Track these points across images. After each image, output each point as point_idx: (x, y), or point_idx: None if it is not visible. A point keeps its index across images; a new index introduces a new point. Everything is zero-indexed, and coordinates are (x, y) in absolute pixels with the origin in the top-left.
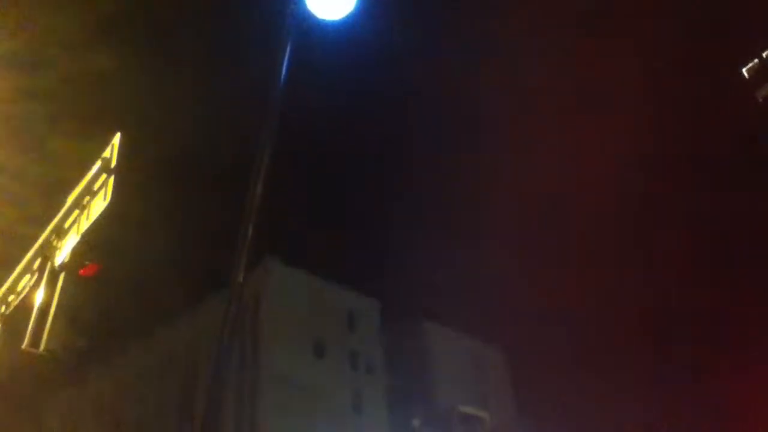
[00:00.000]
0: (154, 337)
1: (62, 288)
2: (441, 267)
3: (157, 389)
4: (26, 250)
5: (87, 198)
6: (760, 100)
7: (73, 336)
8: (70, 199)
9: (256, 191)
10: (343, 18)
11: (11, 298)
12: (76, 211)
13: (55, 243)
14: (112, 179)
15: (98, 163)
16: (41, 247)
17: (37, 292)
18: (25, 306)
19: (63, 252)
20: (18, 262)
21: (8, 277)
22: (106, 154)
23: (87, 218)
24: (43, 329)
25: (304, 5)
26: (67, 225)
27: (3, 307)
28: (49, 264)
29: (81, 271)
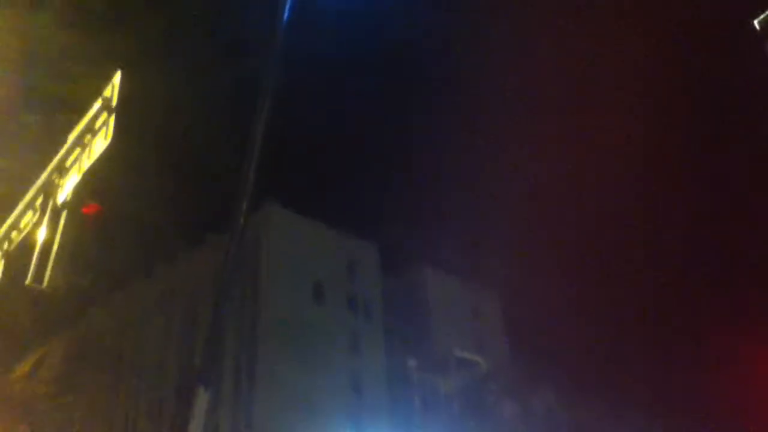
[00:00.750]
0: (155, 277)
1: (64, 226)
2: (439, 214)
3: (158, 329)
4: (27, 191)
5: (88, 137)
6: None
7: (76, 273)
8: (71, 137)
9: (258, 136)
10: None
11: (14, 234)
12: (78, 150)
13: (57, 181)
14: (113, 118)
15: (99, 102)
16: (43, 185)
17: (39, 230)
18: (27, 243)
19: (65, 190)
20: (19, 200)
21: (10, 215)
22: (107, 92)
23: (88, 157)
24: (45, 266)
25: None
26: (68, 164)
27: (6, 244)
28: (51, 202)
29: (83, 210)
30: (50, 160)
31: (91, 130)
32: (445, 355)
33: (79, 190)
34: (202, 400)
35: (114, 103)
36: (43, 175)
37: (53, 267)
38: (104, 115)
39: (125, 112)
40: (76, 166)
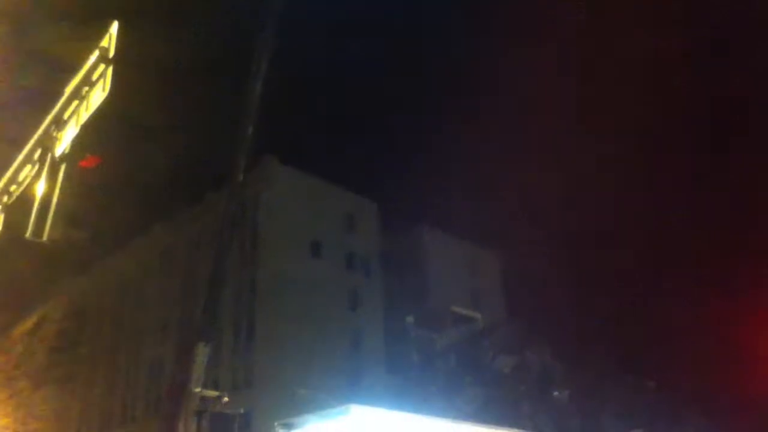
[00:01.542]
0: (154, 233)
1: (63, 179)
2: (438, 172)
3: (158, 286)
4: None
5: (86, 89)
6: None
7: (75, 228)
8: (69, 89)
9: (256, 91)
10: None
11: (13, 188)
12: (75, 102)
13: (54, 134)
14: (110, 70)
15: (96, 53)
16: (41, 137)
17: (38, 183)
18: (26, 196)
19: (63, 143)
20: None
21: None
22: (104, 43)
23: (86, 109)
24: (45, 219)
25: None
26: (66, 116)
27: (5, 197)
28: (49, 155)
29: (81, 163)
30: (47, 113)
31: (88, 81)
32: (443, 311)
33: (78, 144)
34: (201, 355)
35: (111, 54)
36: (41, 128)
37: (53, 220)
38: (101, 66)
39: (123, 65)
40: (74, 119)
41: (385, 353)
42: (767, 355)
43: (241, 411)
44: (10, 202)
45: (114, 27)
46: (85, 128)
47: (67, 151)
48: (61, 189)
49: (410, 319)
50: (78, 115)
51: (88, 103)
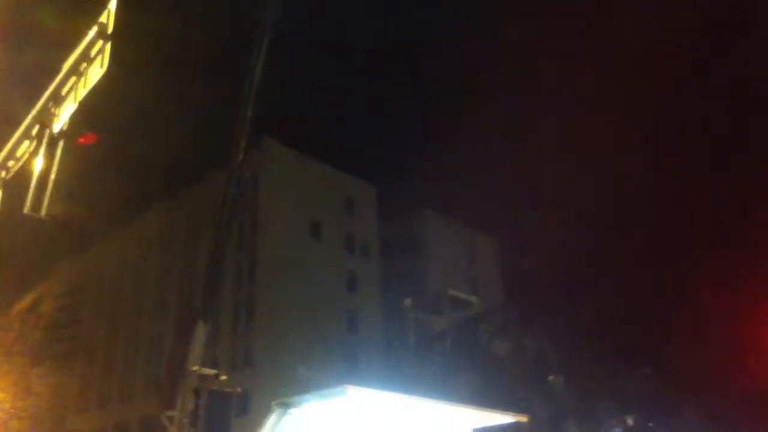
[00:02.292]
0: (154, 213)
1: (61, 155)
2: (438, 156)
3: (158, 265)
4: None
5: (84, 65)
6: None
7: (73, 203)
8: (67, 65)
9: (256, 72)
10: None
11: (11, 163)
12: (73, 78)
13: (52, 110)
14: (109, 45)
15: (94, 28)
16: (39, 113)
17: (36, 159)
18: (25, 172)
19: (61, 119)
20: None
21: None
22: (103, 18)
23: (84, 86)
24: (43, 195)
25: None
26: (64, 92)
27: (3, 173)
28: (47, 131)
29: (80, 140)
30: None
31: (86, 57)
32: (441, 295)
33: (76, 120)
34: (201, 334)
35: (110, 29)
36: (39, 103)
37: (51, 196)
38: (100, 42)
39: (122, 41)
40: (72, 95)
41: (382, 335)
42: (763, 343)
43: (239, 389)
44: (8, 177)
45: (113, 3)
46: (84, 104)
47: (65, 128)
48: (59, 164)
49: (408, 302)
50: (76, 91)
51: (86, 79)
